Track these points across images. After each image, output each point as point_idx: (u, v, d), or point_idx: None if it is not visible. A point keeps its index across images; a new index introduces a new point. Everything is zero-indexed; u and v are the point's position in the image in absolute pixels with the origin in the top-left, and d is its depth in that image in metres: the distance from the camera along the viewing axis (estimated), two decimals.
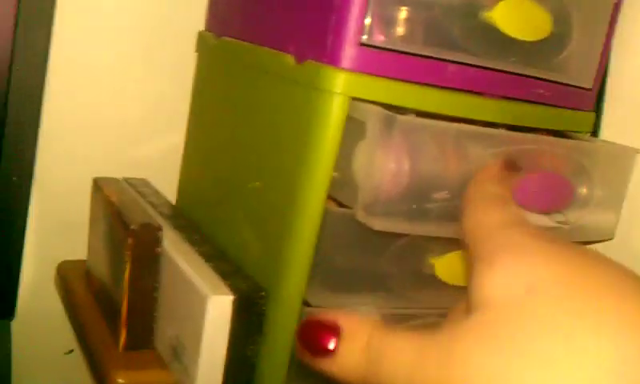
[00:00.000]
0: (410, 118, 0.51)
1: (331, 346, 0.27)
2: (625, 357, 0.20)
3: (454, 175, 0.52)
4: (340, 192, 0.54)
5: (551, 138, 0.60)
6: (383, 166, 0.50)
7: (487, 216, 0.28)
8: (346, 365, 0.27)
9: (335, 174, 0.53)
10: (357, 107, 0.52)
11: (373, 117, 0.51)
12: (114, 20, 0.78)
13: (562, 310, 0.22)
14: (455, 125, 0.53)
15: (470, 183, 0.31)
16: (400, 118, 0.50)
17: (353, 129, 0.52)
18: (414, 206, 0.51)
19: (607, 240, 0.67)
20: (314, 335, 0.27)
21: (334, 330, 0.27)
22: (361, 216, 0.51)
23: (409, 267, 0.59)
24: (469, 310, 0.25)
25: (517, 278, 0.23)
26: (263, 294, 0.57)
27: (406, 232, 0.53)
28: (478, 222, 0.28)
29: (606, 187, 0.62)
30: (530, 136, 0.57)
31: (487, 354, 0.22)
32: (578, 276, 0.23)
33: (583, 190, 0.61)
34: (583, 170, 0.61)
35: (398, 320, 0.60)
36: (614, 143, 0.67)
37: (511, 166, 0.33)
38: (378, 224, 0.51)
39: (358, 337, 0.27)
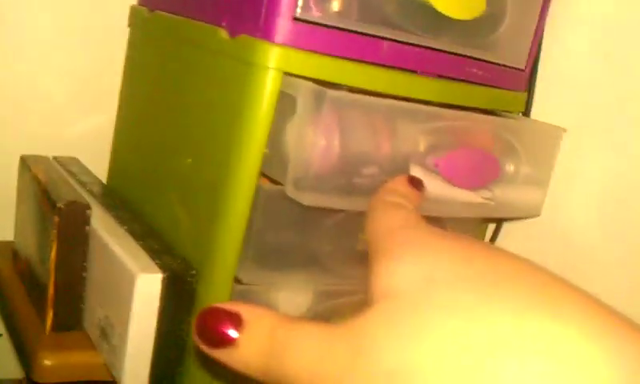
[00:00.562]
0: (340, 93, 0.51)
1: (232, 335, 0.26)
2: (525, 331, 0.21)
3: (384, 150, 0.52)
4: (271, 168, 0.53)
5: (479, 116, 0.60)
6: (313, 141, 0.50)
7: (387, 218, 0.29)
8: (247, 356, 0.26)
9: (266, 150, 0.52)
10: (288, 82, 0.52)
11: (303, 91, 0.50)
12: None
13: (460, 293, 0.22)
14: (385, 100, 0.53)
15: (373, 195, 0.32)
16: (330, 92, 0.49)
17: (284, 104, 0.52)
18: (344, 181, 0.51)
19: (534, 216, 0.68)
20: (214, 324, 0.26)
21: (236, 320, 0.26)
22: (290, 191, 0.51)
23: (342, 244, 0.59)
24: (370, 302, 0.25)
25: (415, 269, 0.24)
26: (194, 272, 0.56)
27: (336, 207, 0.53)
28: (379, 224, 0.29)
29: (533, 165, 0.64)
30: (458, 113, 0.58)
31: (392, 339, 0.22)
32: (474, 264, 0.24)
33: (510, 167, 0.62)
34: (511, 147, 0.62)
35: (331, 296, 0.60)
36: (541, 122, 0.68)
37: (415, 183, 0.34)
38: (308, 199, 0.50)
39: (261, 327, 0.26)
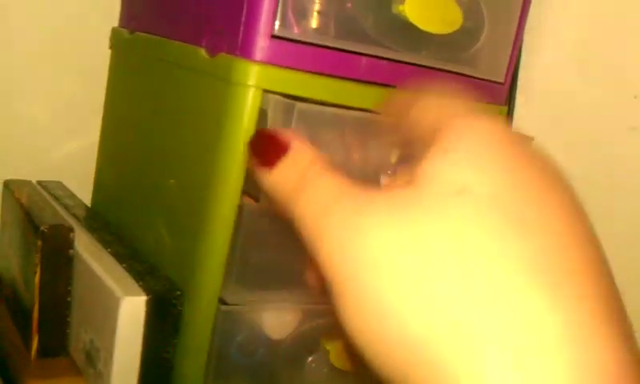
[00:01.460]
0: (309, 106, 0.51)
1: (274, 158, 0.27)
2: (540, 248, 0.21)
3: (355, 162, 0.53)
4: (248, 185, 0.54)
5: None
6: None
7: (449, 106, 0.27)
8: (277, 181, 0.27)
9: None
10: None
11: (273, 105, 0.51)
12: (25, 17, 0.76)
13: (483, 214, 0.22)
14: (354, 112, 0.53)
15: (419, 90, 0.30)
16: (299, 105, 0.50)
17: (258, 119, 0.52)
18: None
19: None
20: (266, 145, 0.28)
21: (283, 147, 0.27)
22: (263, 203, 0.51)
23: None
24: (406, 182, 0.24)
25: (460, 173, 0.23)
26: (179, 293, 0.55)
27: None
28: (439, 109, 0.27)
29: None
30: None
31: (392, 228, 0.22)
32: (518, 188, 0.23)
33: None
34: None
35: (318, 315, 0.60)
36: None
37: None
38: None
39: (299, 160, 0.27)
